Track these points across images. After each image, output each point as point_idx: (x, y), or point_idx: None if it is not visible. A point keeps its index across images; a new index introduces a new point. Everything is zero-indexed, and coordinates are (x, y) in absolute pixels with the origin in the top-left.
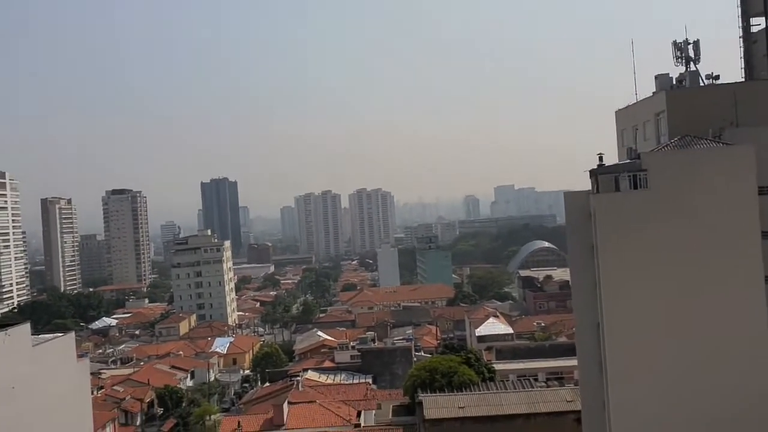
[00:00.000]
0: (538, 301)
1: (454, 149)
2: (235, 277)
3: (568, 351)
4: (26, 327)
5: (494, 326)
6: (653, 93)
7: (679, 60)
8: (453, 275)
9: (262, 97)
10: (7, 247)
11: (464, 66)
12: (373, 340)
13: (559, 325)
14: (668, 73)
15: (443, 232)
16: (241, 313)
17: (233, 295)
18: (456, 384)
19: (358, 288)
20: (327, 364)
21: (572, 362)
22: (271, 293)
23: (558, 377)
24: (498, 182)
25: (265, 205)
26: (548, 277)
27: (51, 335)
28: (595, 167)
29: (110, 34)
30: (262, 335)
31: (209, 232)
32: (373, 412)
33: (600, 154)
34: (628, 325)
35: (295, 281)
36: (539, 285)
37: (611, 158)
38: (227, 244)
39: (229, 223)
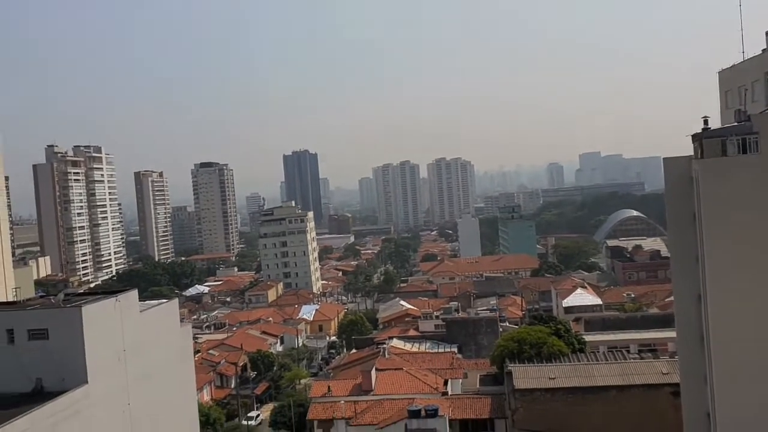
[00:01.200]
0: (628, 271)
1: (537, 116)
2: (317, 247)
3: (661, 323)
4: (134, 293)
5: (582, 297)
6: (762, 50)
7: None
8: (537, 245)
9: (339, 69)
10: (104, 218)
11: (545, 30)
12: (457, 310)
13: (650, 296)
14: None
15: (526, 201)
16: (324, 281)
17: (317, 264)
18: (545, 355)
19: (439, 258)
20: (411, 332)
21: (666, 334)
22: (352, 263)
23: (651, 349)
24: (583, 149)
25: (344, 177)
26: (638, 247)
27: (155, 301)
28: (699, 131)
29: (197, 14)
30: (345, 303)
31: (293, 203)
32: (460, 381)
33: (705, 117)
34: (735, 298)
35: (375, 251)
36: (628, 255)
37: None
38: (310, 215)
39: (310, 194)
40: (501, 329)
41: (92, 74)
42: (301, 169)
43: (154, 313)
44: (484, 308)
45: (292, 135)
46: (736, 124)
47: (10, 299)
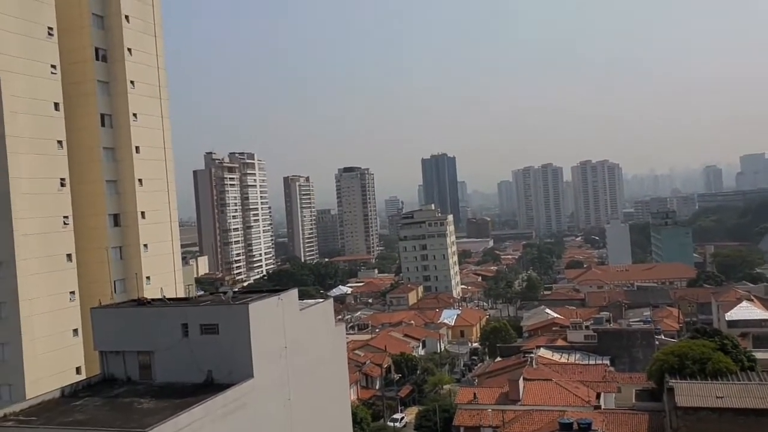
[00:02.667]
0: None
1: (690, 115)
2: (457, 250)
3: None
4: (294, 293)
5: (748, 310)
6: None
7: None
8: (693, 254)
9: (476, 71)
10: (256, 221)
11: (699, 18)
12: (608, 321)
13: None
14: None
15: (680, 206)
16: (464, 286)
17: (456, 268)
18: (710, 372)
19: (585, 266)
20: (560, 342)
21: None
22: (492, 268)
23: None
24: (744, 150)
25: (483, 180)
26: None
27: (312, 301)
28: None
29: (345, 25)
30: (486, 309)
31: (433, 206)
32: (613, 395)
33: None
34: None
35: (516, 257)
36: None
37: None
38: (450, 218)
39: (448, 197)
40: (657, 342)
41: (247, 85)
42: (439, 172)
43: (312, 312)
44: (637, 319)
45: (430, 139)
46: None
47: (180, 295)
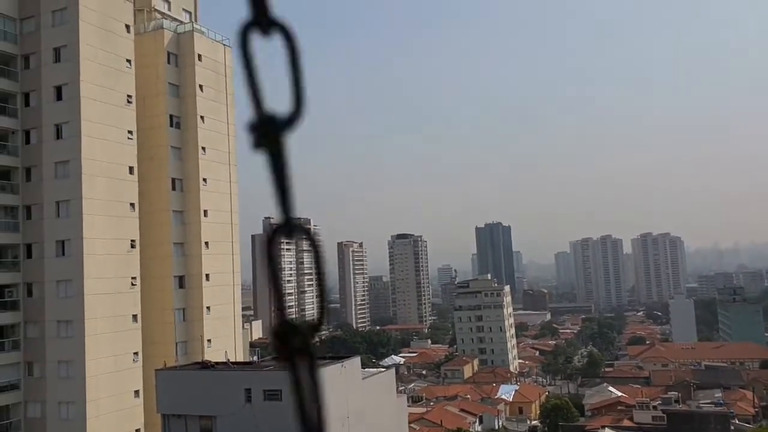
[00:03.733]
0: None
1: (756, 187)
2: (514, 323)
3: None
4: (357, 360)
5: None
6: None
7: None
8: (765, 333)
9: (530, 138)
10: (310, 286)
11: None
12: (678, 401)
13: None
14: None
15: (747, 282)
16: (521, 360)
17: (513, 341)
18: None
19: (648, 342)
20: (626, 422)
21: None
22: (550, 342)
23: None
24: None
25: (539, 251)
26: None
27: (375, 370)
28: None
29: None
30: (544, 385)
31: (489, 276)
32: None
33: None
34: None
35: (575, 331)
36: None
37: None
38: (507, 288)
39: (502, 267)
40: (732, 428)
41: (303, 150)
42: (493, 241)
43: (374, 382)
44: (707, 401)
45: (483, 207)
46: None
47: (241, 359)
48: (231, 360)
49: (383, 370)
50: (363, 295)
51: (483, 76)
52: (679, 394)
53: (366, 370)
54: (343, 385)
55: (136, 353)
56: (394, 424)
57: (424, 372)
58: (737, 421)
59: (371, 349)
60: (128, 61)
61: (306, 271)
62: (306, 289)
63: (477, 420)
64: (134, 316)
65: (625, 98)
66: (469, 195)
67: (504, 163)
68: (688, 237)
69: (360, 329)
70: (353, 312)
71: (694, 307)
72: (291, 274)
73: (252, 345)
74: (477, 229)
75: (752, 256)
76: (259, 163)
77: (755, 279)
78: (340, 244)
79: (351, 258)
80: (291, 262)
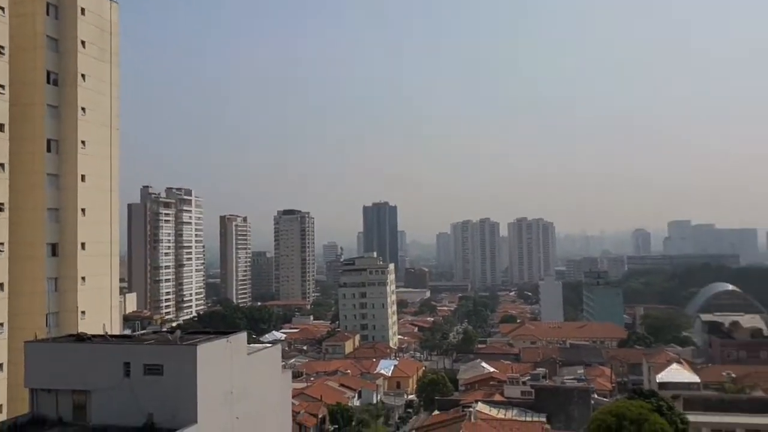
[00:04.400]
0: (726, 349)
1: (623, 181)
2: (395, 300)
3: None
4: (243, 336)
5: (678, 373)
6: None
7: None
8: (623, 314)
9: (421, 124)
10: (189, 259)
11: (635, 95)
12: (545, 377)
13: (753, 377)
14: None
15: (610, 267)
16: (401, 336)
17: (394, 318)
18: None
19: (519, 320)
20: (497, 397)
21: None
22: (429, 319)
23: None
24: (672, 217)
25: (422, 231)
26: (735, 324)
27: (260, 345)
28: None
29: (291, 68)
30: (421, 361)
31: (375, 254)
32: None
33: None
34: None
35: (451, 308)
36: (726, 332)
37: None
38: (391, 267)
39: (387, 246)
40: (593, 401)
41: (187, 119)
42: (380, 220)
43: (260, 357)
44: (571, 377)
45: (370, 187)
46: None
47: (118, 332)
48: (109, 333)
49: (269, 345)
50: (245, 271)
51: (366, 57)
52: (546, 370)
53: (252, 345)
54: (229, 360)
55: (1, 324)
56: (279, 400)
57: (305, 347)
58: (596, 396)
59: (252, 324)
60: (0, 8)
61: (185, 244)
62: (185, 262)
63: (356, 395)
64: (0, 285)
65: (506, 87)
66: (358, 175)
67: (393, 145)
68: (559, 223)
69: (241, 305)
70: (234, 287)
71: (561, 289)
72: (169, 246)
73: (126, 318)
74: (365, 208)
75: (615, 243)
76: (140, 127)
77: (617, 264)
78: (223, 218)
79: (234, 232)
80: (169, 234)
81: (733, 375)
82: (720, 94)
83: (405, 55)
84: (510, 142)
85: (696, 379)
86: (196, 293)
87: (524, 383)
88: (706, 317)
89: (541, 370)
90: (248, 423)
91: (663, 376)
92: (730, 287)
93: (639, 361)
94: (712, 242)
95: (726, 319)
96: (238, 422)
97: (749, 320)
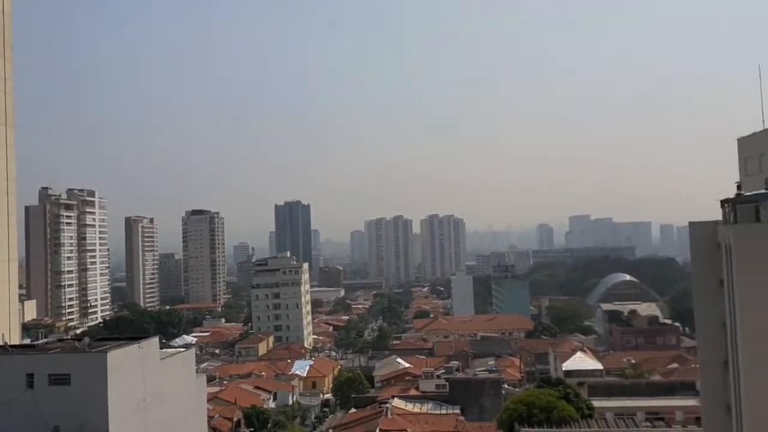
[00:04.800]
0: (626, 336)
1: (527, 177)
2: (310, 300)
3: (667, 390)
4: (155, 341)
5: (582, 361)
6: None
7: None
8: (530, 306)
9: (333, 121)
10: (93, 263)
11: (539, 89)
12: (458, 370)
13: (651, 362)
14: None
15: (516, 261)
16: (315, 336)
17: (309, 318)
18: (555, 420)
19: (432, 315)
20: (412, 392)
21: (674, 402)
22: (343, 317)
23: (658, 417)
24: (573, 212)
25: (335, 229)
26: (633, 312)
27: (174, 350)
28: (732, 196)
29: (187, 58)
30: (337, 359)
31: (288, 254)
32: None
33: (738, 182)
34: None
35: (366, 306)
36: (625, 320)
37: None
38: (305, 266)
39: (300, 246)
40: (503, 391)
41: (88, 118)
42: (292, 219)
43: (173, 362)
44: (482, 369)
45: (282, 185)
46: (765, 191)
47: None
48: (9, 343)
49: (183, 350)
50: (153, 274)
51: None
52: (459, 363)
53: (165, 350)
54: (141, 366)
55: None
56: (194, 404)
57: (217, 351)
58: (507, 386)
59: (161, 329)
60: None
61: (89, 248)
62: (88, 266)
63: (271, 396)
64: None
65: (410, 91)
66: (269, 173)
67: (304, 143)
68: (468, 219)
69: (149, 309)
70: (141, 291)
71: (472, 283)
72: (71, 250)
73: (25, 327)
74: (276, 207)
75: (521, 238)
76: (40, 126)
77: (523, 258)
78: (128, 219)
79: (141, 234)
80: (72, 237)
81: (633, 361)
82: (622, 92)
83: (312, 50)
84: (416, 139)
85: (599, 366)
86: (102, 298)
87: (438, 377)
88: (606, 307)
89: (454, 364)
90: (163, 429)
91: (568, 365)
92: (628, 277)
93: (545, 351)
94: (611, 235)
95: (624, 307)
96: (152, 428)
97: (646, 308)
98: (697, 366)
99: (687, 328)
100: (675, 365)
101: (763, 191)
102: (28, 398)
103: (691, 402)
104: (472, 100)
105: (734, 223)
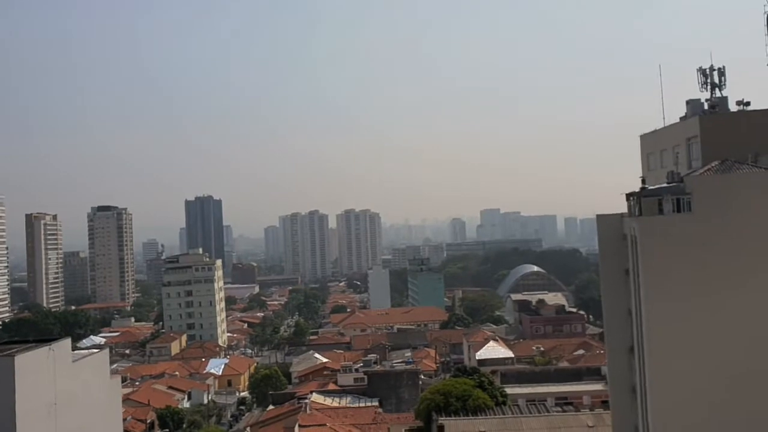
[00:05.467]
0: (535, 325)
1: (441, 171)
2: (224, 297)
3: (574, 376)
4: (67, 342)
5: (495, 350)
6: (680, 118)
7: (705, 86)
8: (444, 298)
9: (246, 115)
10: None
11: (451, 87)
12: (376, 363)
13: (558, 349)
14: (699, 99)
15: (431, 254)
16: (230, 334)
17: (223, 315)
18: (471, 407)
19: (349, 310)
20: (331, 386)
21: (581, 387)
22: (258, 314)
23: (567, 402)
24: (484, 206)
25: (249, 225)
26: (541, 301)
27: (86, 351)
28: (637, 190)
29: (94, 47)
30: (252, 357)
31: (200, 251)
32: None
33: (642, 177)
34: (670, 351)
35: (282, 302)
36: (534, 309)
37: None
38: (219, 263)
39: (212, 242)
40: (420, 382)
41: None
42: (204, 215)
43: (86, 364)
44: (399, 361)
45: (192, 181)
46: (668, 184)
47: None
48: None
49: (96, 351)
50: (56, 273)
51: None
52: (377, 356)
53: (77, 352)
54: (51, 369)
55: None
56: (108, 407)
57: (127, 351)
58: (423, 377)
59: (67, 330)
60: None
61: None
62: None
63: (186, 396)
64: None
65: (325, 87)
66: (179, 167)
67: (215, 136)
68: (384, 214)
69: (53, 309)
70: (44, 291)
71: (388, 277)
72: None
73: None
74: (187, 202)
75: (435, 231)
76: None
77: (437, 251)
78: (29, 216)
79: (43, 231)
80: None
81: (542, 348)
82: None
83: (227, 41)
84: (328, 133)
85: (510, 354)
86: (0, 299)
87: (356, 370)
88: (516, 296)
89: (372, 356)
90: None
91: (481, 354)
92: (535, 268)
93: (460, 341)
94: (519, 228)
95: (533, 297)
96: None
97: (553, 298)
98: (603, 352)
99: (591, 316)
100: (581, 352)
101: (665, 185)
102: None
103: (597, 386)
104: (385, 99)
105: (639, 216)
